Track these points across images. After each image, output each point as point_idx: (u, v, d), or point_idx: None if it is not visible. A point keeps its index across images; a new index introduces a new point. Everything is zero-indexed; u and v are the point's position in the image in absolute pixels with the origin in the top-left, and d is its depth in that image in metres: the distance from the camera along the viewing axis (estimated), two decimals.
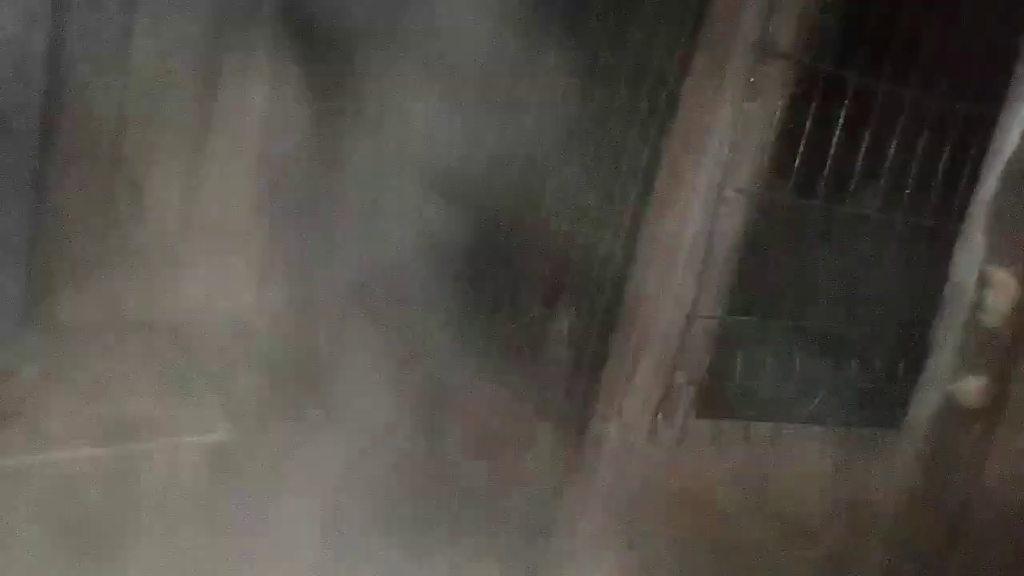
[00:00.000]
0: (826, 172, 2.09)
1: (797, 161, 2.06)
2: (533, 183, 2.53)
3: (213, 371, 2.40)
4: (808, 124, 2.05)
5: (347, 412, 2.65)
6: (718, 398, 2.14)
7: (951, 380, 2.30)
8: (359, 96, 2.95)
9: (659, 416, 2.07)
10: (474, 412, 2.69)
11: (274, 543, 2.37)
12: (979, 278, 2.25)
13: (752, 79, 1.94)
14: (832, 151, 2.09)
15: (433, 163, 2.78)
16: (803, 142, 2.05)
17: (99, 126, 2.95)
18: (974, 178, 2.28)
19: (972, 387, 2.30)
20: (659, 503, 2.17)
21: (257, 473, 2.39)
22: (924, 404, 2.34)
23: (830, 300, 2.28)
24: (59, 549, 1.85)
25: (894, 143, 2.17)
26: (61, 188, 2.88)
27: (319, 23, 2.89)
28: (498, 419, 2.62)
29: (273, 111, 3.11)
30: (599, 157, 2.28)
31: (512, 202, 2.54)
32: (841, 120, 2.08)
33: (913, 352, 2.35)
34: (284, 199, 3.27)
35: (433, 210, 2.71)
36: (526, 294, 2.57)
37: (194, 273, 2.77)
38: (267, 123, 3.11)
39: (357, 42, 2.82)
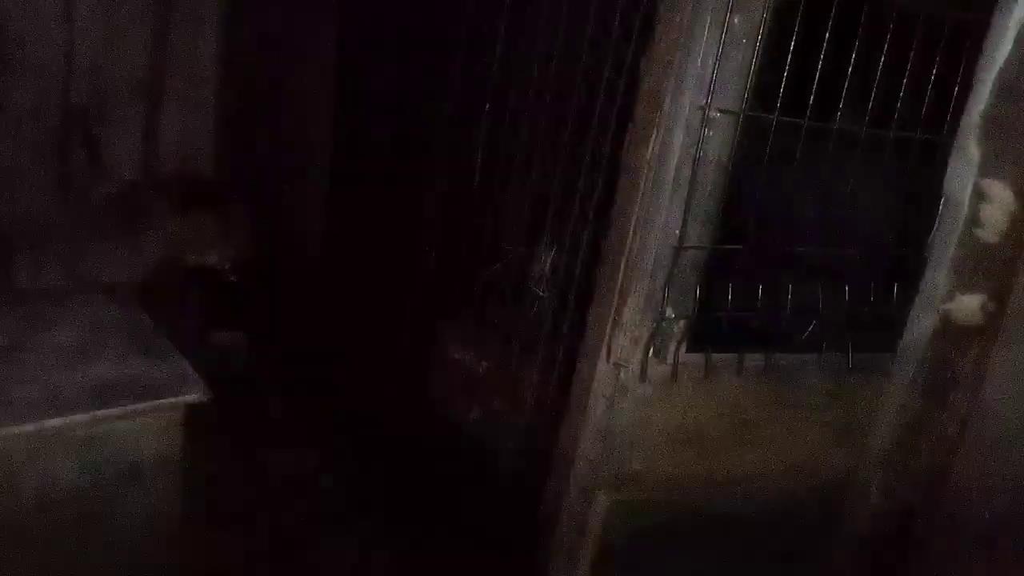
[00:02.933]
0: (814, 88, 2.00)
1: (784, 77, 1.96)
2: (509, 116, 2.44)
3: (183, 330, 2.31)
4: (794, 37, 1.94)
5: None
6: (709, 330, 2.08)
7: (946, 299, 2.24)
8: None
9: (650, 352, 2.01)
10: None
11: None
12: (974, 191, 2.17)
13: None
14: (820, 65, 1.99)
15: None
16: (789, 57, 1.95)
17: (48, 79, 2.83)
18: (966, 89, 2.19)
19: (968, 305, 2.25)
20: (654, 440, 2.12)
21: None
22: (919, 325, 2.28)
23: (821, 223, 2.21)
24: (33, 525, 1.79)
25: (883, 55, 2.08)
26: (13, 148, 2.77)
27: None
28: (486, 361, 2.57)
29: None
30: (573, 85, 2.18)
31: (486, 139, 2.46)
32: (828, 32, 1.97)
33: (907, 272, 2.29)
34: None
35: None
36: (507, 232, 2.49)
37: (156, 229, 2.67)
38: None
39: None
